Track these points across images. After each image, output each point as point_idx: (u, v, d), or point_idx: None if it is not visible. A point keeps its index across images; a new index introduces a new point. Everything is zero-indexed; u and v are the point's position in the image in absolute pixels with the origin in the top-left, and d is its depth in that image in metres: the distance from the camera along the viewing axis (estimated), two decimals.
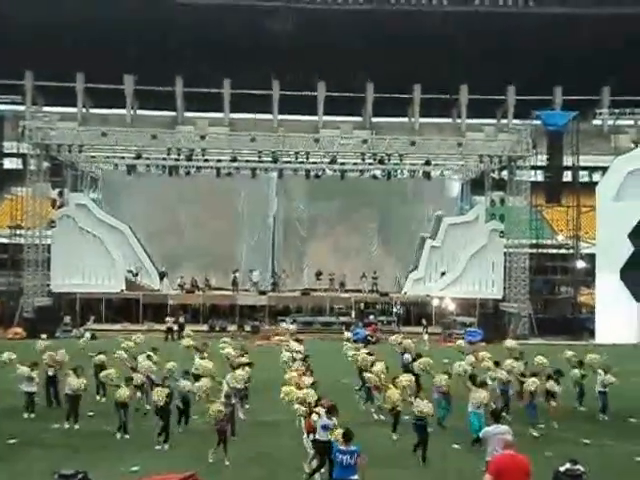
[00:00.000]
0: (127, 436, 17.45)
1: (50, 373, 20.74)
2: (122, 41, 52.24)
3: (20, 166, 45.36)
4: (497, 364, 20.63)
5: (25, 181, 41.96)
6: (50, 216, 42.44)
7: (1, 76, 53.18)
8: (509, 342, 26.00)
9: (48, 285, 41.51)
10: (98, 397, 21.20)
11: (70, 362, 20.88)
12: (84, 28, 51.38)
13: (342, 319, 42.39)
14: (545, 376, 19.38)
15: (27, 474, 14.70)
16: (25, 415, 19.55)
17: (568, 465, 13.10)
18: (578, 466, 13.07)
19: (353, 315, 42.79)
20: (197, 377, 18.51)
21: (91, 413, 19.69)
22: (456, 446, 16.93)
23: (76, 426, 18.39)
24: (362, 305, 44.20)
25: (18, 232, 43.27)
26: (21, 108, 49.33)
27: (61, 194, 43.79)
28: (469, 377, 18.25)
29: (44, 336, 36.37)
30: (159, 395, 16.69)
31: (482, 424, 15.61)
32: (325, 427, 13.80)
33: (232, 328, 40.39)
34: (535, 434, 18.00)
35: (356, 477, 11.64)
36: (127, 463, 15.16)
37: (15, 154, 45.69)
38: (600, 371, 20.46)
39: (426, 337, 34.80)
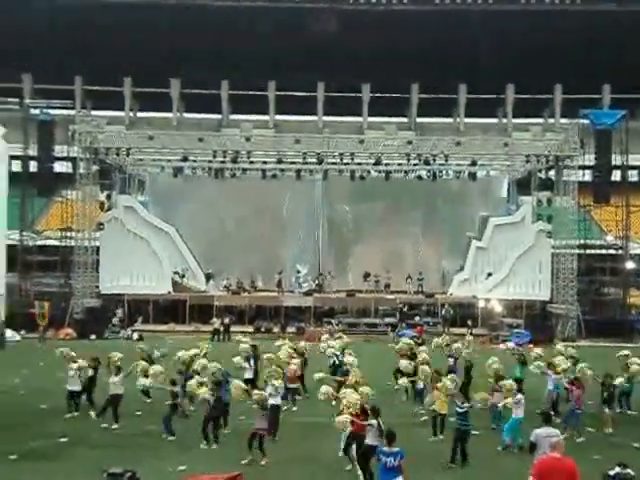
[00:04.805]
0: (171, 438, 17.61)
1: (90, 373, 20.27)
2: (169, 45, 52.89)
3: (70, 169, 46.02)
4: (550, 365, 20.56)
5: (75, 184, 42.95)
6: (99, 218, 43.15)
7: (52, 81, 54.19)
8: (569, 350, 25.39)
9: (97, 287, 42.22)
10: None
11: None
12: (131, 33, 52.09)
13: (387, 320, 42.39)
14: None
15: (76, 473, 14.93)
16: (68, 415, 19.72)
17: (618, 469, 12.91)
18: (628, 470, 12.86)
19: (398, 317, 42.66)
20: None
21: (138, 412, 19.97)
22: (500, 449, 16.81)
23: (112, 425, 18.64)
24: (406, 307, 43.98)
25: (68, 234, 44.03)
26: (71, 112, 50.18)
27: (109, 197, 44.41)
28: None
29: (93, 336, 37.20)
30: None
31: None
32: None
33: (277, 329, 40.64)
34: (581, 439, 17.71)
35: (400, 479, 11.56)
36: (174, 462, 15.34)
37: (65, 158, 46.40)
38: None
39: (470, 338, 34.33)
